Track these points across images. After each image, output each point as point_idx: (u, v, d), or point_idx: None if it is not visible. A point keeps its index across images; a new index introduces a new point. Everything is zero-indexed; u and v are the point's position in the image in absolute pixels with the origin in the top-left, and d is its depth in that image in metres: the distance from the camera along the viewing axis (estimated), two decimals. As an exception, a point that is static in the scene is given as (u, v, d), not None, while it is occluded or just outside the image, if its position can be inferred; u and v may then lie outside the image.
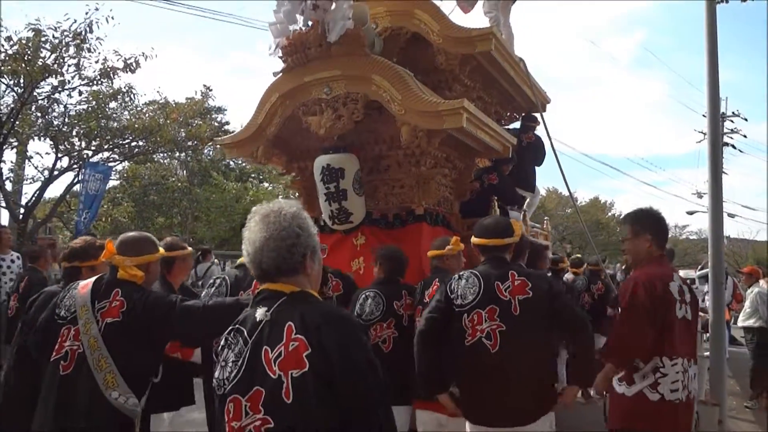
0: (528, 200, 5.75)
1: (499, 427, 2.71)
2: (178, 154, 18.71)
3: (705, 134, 9.54)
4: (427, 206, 4.45)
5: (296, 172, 5.01)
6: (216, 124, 19.68)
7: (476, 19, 6.36)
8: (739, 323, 7.97)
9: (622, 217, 2.99)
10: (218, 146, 6.39)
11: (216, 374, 1.59)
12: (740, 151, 27.44)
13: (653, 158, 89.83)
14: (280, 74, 4.39)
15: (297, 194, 5.20)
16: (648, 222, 2.99)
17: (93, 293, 2.46)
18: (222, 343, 1.63)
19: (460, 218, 4.89)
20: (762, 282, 9.57)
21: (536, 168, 6.08)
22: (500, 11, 5.50)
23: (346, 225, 4.46)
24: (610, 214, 32.21)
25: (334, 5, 4.03)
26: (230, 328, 1.63)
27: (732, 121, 25.29)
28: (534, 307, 2.71)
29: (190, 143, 17.41)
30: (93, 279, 2.57)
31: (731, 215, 28.64)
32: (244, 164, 20.30)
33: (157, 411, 2.99)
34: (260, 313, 1.55)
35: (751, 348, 7.53)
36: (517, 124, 6.12)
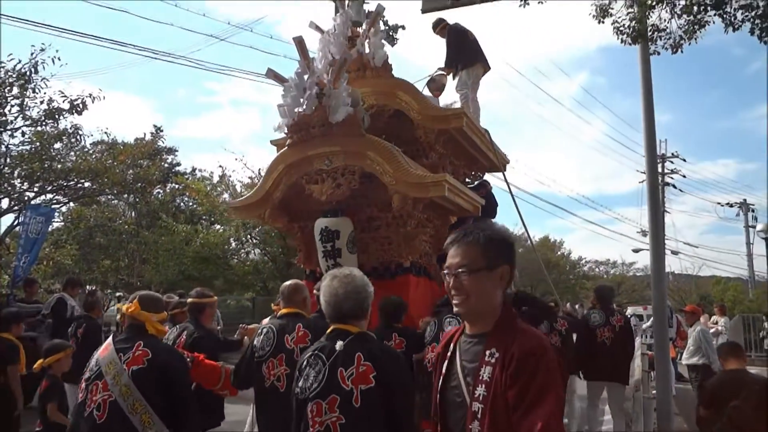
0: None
1: None
2: (126, 195, 19.16)
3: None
4: (413, 259, 5.47)
5: (297, 230, 5.94)
6: (166, 165, 20.30)
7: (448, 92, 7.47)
8: (684, 361, 8.68)
9: (453, 239, 1.95)
10: (229, 208, 7.22)
11: (299, 384, 2.49)
12: (680, 191, 29.91)
13: (598, 197, 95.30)
14: (285, 148, 5.39)
15: (298, 249, 6.08)
16: (509, 249, 1.93)
17: (116, 349, 2.99)
18: (303, 363, 2.53)
19: (438, 269, 5.93)
20: (703, 320, 10.70)
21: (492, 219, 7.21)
22: (470, 89, 6.72)
23: (342, 278, 5.42)
24: (559, 253, 34.27)
25: (334, 92, 5.08)
26: (310, 353, 2.53)
27: (672, 162, 27.75)
28: None
29: (138, 185, 17.90)
30: (108, 341, 3.11)
31: (674, 252, 31.10)
32: (194, 206, 20.87)
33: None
34: (338, 345, 2.46)
35: (695, 386, 8.18)
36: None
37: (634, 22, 7.07)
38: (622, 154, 77.73)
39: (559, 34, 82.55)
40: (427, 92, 6.47)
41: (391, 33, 17.20)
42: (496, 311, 1.87)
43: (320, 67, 5.42)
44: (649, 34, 7.10)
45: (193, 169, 21.80)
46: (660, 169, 25.86)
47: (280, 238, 19.08)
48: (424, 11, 10.98)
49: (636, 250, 30.98)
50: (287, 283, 3.75)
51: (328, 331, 2.58)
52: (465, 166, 6.76)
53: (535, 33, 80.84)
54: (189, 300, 4.47)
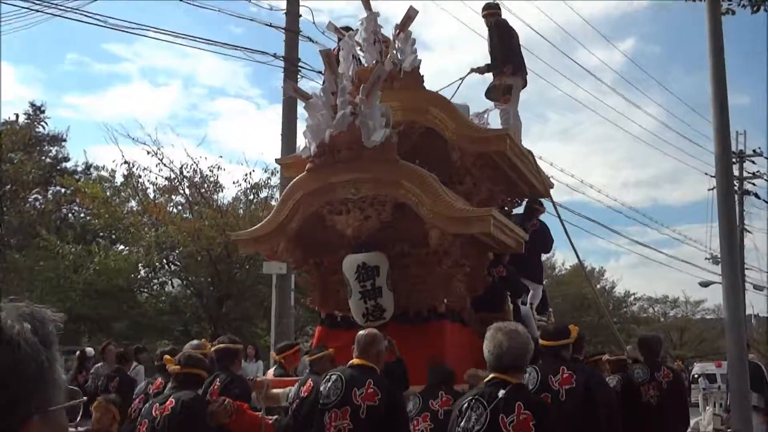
0: (532, 292, 8.66)
1: None
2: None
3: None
4: (448, 303, 7.18)
5: (311, 268, 7.62)
6: (48, 160, 21.37)
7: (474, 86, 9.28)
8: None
9: None
10: (233, 239, 8.86)
11: (461, 424, 4.06)
12: (765, 201, 31.47)
13: (651, 209, 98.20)
14: (304, 173, 7.06)
15: (311, 289, 7.75)
16: None
17: None
18: (465, 406, 4.10)
19: (473, 312, 7.67)
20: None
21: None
22: (511, 101, 8.54)
23: (378, 321, 6.84)
24: (599, 286, 36.11)
25: (369, 111, 6.76)
26: (470, 397, 4.16)
27: (753, 162, 29.71)
28: (575, 394, 5.53)
29: (7, 187, 18.94)
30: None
31: (758, 287, 33.03)
32: (87, 218, 22.00)
33: None
34: (501, 393, 4.00)
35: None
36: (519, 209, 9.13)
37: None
38: (684, 150, 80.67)
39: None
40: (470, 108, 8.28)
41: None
42: None
43: (346, 76, 7.06)
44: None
45: (88, 167, 22.90)
46: (736, 172, 27.31)
47: (210, 263, 20.41)
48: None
49: (705, 284, 32.66)
50: (363, 332, 5.41)
51: (488, 378, 4.24)
52: (503, 191, 8.56)
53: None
54: (218, 347, 6.18)
